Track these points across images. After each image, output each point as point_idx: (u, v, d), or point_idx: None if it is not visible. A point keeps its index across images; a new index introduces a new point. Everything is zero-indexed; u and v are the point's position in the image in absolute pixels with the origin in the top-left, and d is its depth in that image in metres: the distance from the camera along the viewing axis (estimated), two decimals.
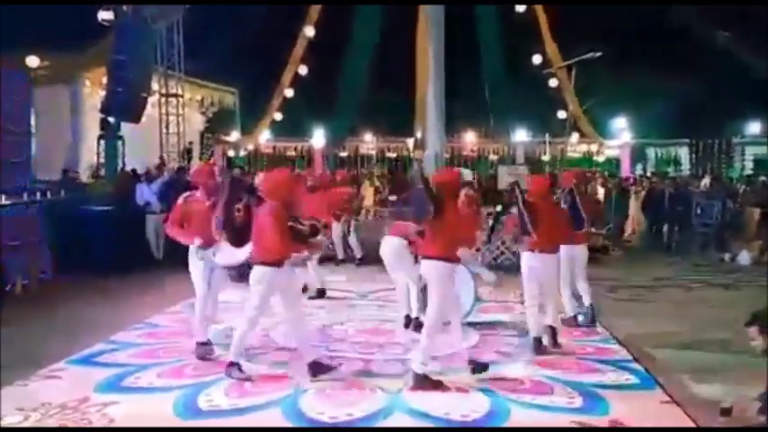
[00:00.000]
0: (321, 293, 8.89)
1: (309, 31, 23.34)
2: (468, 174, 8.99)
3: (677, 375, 5.80)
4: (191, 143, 19.56)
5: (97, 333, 6.93)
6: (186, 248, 6.30)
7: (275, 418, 4.86)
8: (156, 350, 6.49)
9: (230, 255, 5.93)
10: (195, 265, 6.23)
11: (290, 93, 23.84)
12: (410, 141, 22.51)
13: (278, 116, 24.19)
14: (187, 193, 6.41)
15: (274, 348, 6.59)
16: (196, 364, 6.02)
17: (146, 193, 11.82)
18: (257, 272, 5.55)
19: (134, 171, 14.27)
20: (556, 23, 22.35)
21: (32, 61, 13.13)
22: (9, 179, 9.28)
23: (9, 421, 4.70)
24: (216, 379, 5.61)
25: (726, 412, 4.50)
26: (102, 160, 15.11)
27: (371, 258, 9.09)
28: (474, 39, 22.39)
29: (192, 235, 6.15)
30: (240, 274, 6.01)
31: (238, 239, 5.81)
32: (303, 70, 23.52)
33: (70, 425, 4.70)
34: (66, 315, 7.91)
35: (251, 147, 24.30)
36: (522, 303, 6.97)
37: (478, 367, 5.74)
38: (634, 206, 15.48)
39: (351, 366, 6.00)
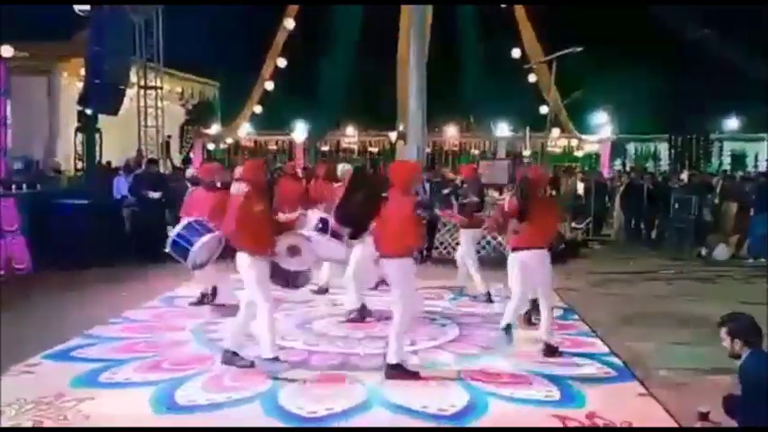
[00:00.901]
0: (324, 291, 8.68)
1: (289, 24, 23.19)
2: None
3: (654, 368, 5.85)
4: (169, 137, 19.35)
5: (74, 327, 6.85)
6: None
7: (254, 412, 4.83)
8: (133, 345, 6.43)
9: (299, 260, 5.87)
10: (259, 273, 5.53)
11: (270, 86, 23.68)
12: (392, 135, 22.50)
13: (258, 109, 24.04)
14: (243, 192, 5.58)
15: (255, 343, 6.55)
16: (173, 358, 5.96)
17: (122, 187, 11.69)
18: (398, 265, 5.50)
19: (109, 164, 14.11)
20: (536, 19, 22.42)
21: (6, 51, 12.88)
22: None
23: None
24: (193, 374, 5.57)
25: (703, 416, 4.56)
26: (78, 152, 14.90)
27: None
28: (455, 33, 22.39)
29: (263, 244, 5.55)
30: (288, 279, 5.90)
31: (356, 233, 5.88)
32: (282, 63, 23.38)
33: (45, 420, 4.63)
34: (43, 309, 7.82)
35: (231, 140, 24.12)
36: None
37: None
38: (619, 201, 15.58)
39: (331, 360, 6.00)
